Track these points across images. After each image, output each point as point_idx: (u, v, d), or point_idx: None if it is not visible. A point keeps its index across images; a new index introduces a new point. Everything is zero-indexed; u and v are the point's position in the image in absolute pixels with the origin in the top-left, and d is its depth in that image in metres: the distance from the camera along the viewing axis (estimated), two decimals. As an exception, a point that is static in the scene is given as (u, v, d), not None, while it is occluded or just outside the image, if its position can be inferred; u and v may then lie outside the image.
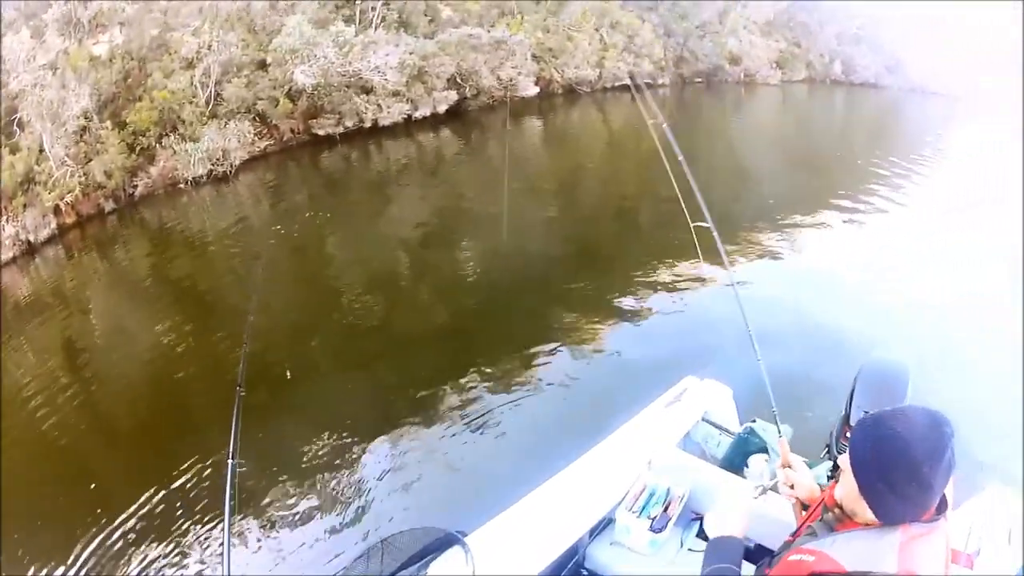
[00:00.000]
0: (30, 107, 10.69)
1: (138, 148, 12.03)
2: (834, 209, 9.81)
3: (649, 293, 7.35)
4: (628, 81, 18.25)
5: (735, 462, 3.15)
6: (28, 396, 6.37)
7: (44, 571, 4.35)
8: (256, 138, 13.20)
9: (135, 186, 11.62)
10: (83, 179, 10.87)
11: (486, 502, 2.86)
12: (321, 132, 14.04)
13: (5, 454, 5.41)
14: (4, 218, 9.80)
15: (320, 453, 5.13)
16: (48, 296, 8.95)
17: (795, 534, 1.76)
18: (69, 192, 10.59)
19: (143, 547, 4.44)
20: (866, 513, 1.47)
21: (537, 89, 17.01)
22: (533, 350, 6.25)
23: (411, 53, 14.67)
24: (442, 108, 15.29)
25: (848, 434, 1.94)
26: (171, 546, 4.43)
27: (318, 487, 4.84)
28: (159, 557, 4.36)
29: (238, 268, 9.25)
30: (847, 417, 2.69)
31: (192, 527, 4.55)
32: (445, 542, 2.35)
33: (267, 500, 4.70)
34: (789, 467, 2.01)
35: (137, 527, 4.60)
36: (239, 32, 14.05)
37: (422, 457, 5.03)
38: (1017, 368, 5.16)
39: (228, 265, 9.61)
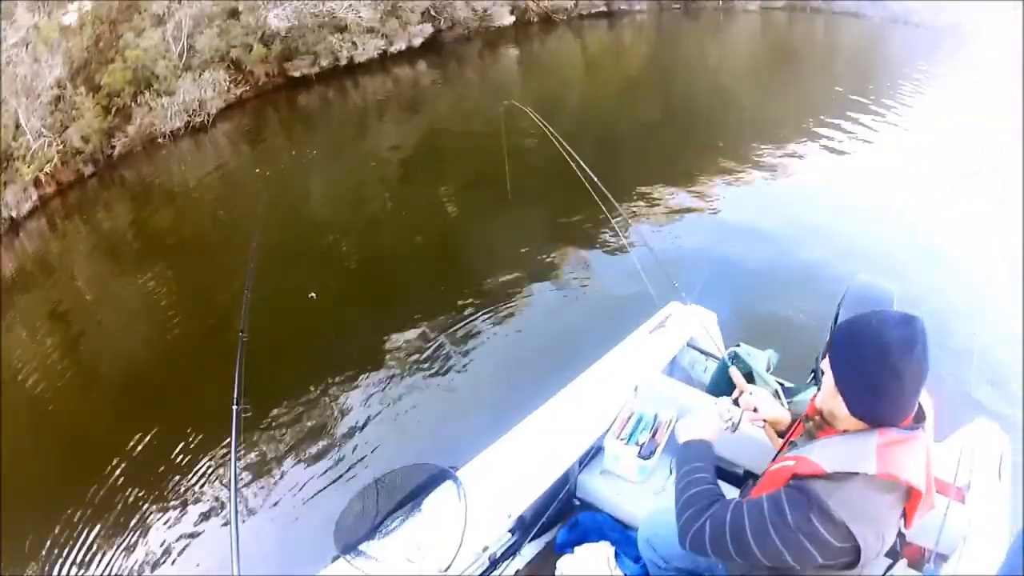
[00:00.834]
0: (5, 86, 10.32)
1: (113, 109, 11.71)
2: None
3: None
4: (604, 7, 17.63)
5: (721, 386, 3.16)
6: (20, 369, 6.40)
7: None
8: (232, 85, 12.81)
9: (113, 147, 11.34)
10: (61, 147, 10.59)
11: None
12: (296, 74, 13.71)
13: (7, 421, 5.49)
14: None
15: (318, 389, 5.31)
16: (34, 268, 8.87)
17: (778, 454, 1.79)
18: (48, 162, 10.32)
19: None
20: (842, 410, 1.51)
21: (512, 18, 16.47)
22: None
23: (384, -13, 14.08)
24: (417, 42, 14.92)
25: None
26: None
27: (315, 422, 5.01)
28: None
29: (222, 215, 9.24)
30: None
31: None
32: (438, 477, 2.37)
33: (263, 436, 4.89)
34: (746, 393, 2.02)
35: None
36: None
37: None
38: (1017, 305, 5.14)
39: (211, 211, 9.58)
